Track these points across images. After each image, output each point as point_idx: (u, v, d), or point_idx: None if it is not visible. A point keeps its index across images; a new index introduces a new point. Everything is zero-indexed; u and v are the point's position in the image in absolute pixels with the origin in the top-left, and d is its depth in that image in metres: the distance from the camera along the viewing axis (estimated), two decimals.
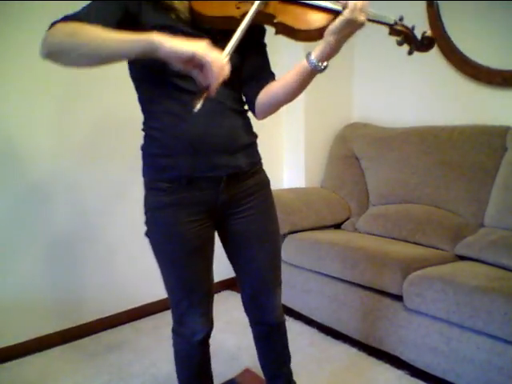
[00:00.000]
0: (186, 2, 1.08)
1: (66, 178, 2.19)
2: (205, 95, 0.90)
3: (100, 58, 0.93)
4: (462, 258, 2.01)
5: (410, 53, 1.13)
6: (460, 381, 1.66)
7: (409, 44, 1.12)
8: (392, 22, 1.10)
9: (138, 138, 1.20)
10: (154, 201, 1.15)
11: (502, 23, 2.25)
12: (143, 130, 1.18)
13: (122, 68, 1.14)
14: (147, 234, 1.19)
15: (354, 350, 2.05)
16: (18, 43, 1.97)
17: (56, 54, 0.93)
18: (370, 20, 1.05)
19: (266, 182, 1.28)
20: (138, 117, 1.19)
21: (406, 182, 2.43)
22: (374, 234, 2.36)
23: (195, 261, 1.19)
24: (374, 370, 1.89)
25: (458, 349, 1.65)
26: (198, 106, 0.90)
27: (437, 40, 2.50)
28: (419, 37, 1.12)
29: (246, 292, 1.35)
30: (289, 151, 2.95)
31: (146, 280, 2.48)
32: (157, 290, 2.48)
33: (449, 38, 2.43)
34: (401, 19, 1.12)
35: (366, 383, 1.80)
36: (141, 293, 2.47)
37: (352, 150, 2.76)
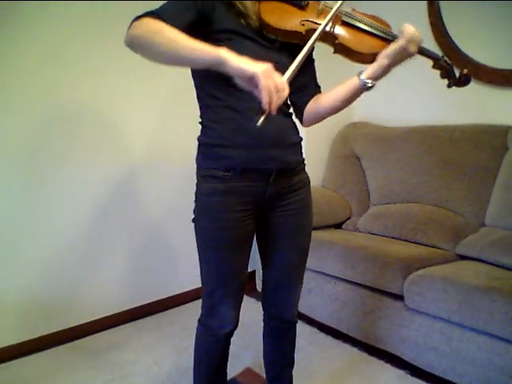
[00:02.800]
0: (257, 4, 1.15)
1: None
2: (266, 113, 0.95)
3: (172, 60, 1.03)
4: (462, 257, 2.01)
5: (449, 86, 1.27)
6: (461, 380, 1.66)
7: (448, 79, 1.25)
8: (438, 57, 1.23)
9: None
10: (207, 187, 1.19)
11: (502, 22, 2.25)
12: (200, 122, 1.23)
13: None
14: (194, 220, 1.24)
15: (354, 350, 2.05)
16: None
17: (136, 46, 1.02)
18: (419, 52, 1.17)
19: (307, 181, 1.36)
20: None
21: (407, 182, 2.43)
22: (374, 234, 2.36)
23: (238, 250, 1.23)
24: (375, 369, 1.90)
25: (458, 348, 1.66)
26: (260, 122, 0.96)
27: (438, 39, 2.50)
28: (457, 74, 1.25)
29: (270, 285, 1.38)
30: None
31: (148, 279, 2.49)
32: (159, 289, 2.53)
33: (449, 37, 2.43)
34: (443, 56, 1.25)
35: (366, 383, 1.80)
36: (143, 292, 2.48)
37: (353, 150, 2.76)
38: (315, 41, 1.07)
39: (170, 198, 2.51)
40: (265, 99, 0.93)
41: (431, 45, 2.45)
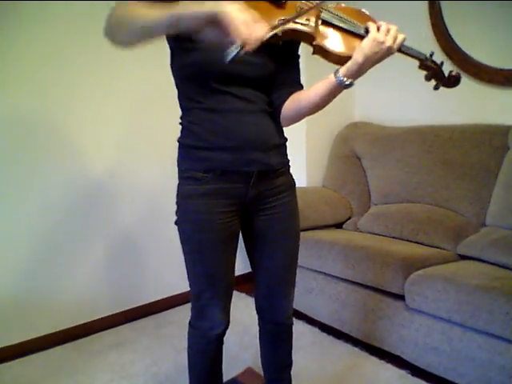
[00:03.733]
0: None
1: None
2: (238, 47, 0.89)
3: (142, 31, 0.98)
4: (463, 257, 2.00)
5: (436, 88, 1.21)
6: (461, 380, 1.66)
7: (436, 80, 1.19)
8: (423, 57, 1.17)
9: None
10: (188, 189, 1.19)
11: (503, 22, 2.24)
12: (181, 123, 1.22)
13: None
14: (177, 222, 1.23)
15: (355, 350, 2.05)
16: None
17: (114, 32, 1.00)
18: (402, 51, 1.12)
19: (292, 183, 1.32)
20: None
21: (408, 182, 2.43)
22: (375, 234, 2.36)
23: (222, 251, 1.22)
24: (376, 369, 1.89)
25: (459, 348, 1.65)
26: (229, 56, 0.89)
27: (439, 40, 2.50)
28: (446, 74, 1.19)
29: (261, 289, 1.37)
30: (290, 150, 2.92)
31: (147, 279, 2.49)
32: (158, 289, 2.53)
33: (450, 37, 2.43)
34: (431, 55, 1.18)
35: (367, 382, 1.80)
36: (142, 292, 2.48)
37: (353, 150, 2.76)
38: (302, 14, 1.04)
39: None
40: (238, 36, 0.88)
41: (432, 45, 2.45)
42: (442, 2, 2.46)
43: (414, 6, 2.56)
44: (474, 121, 2.34)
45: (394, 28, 1.07)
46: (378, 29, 1.06)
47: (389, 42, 1.05)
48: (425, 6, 2.53)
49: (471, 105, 2.41)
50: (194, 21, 0.92)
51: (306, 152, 2.84)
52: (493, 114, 2.30)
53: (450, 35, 2.43)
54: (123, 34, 1.00)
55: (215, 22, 0.90)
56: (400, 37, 1.07)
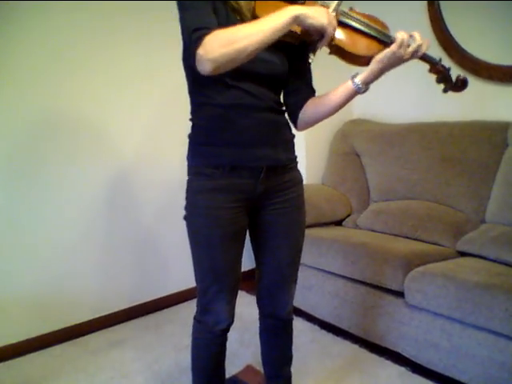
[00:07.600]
0: (252, 3, 1.15)
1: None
2: (318, 47, 1.07)
3: (264, 45, 1.03)
4: (463, 254, 2.01)
5: (444, 91, 1.28)
6: (461, 377, 1.66)
7: (444, 83, 1.26)
8: (435, 61, 1.23)
9: None
10: (198, 185, 1.21)
11: (502, 19, 2.23)
12: (191, 119, 1.24)
13: None
14: (185, 217, 1.24)
15: (355, 347, 2.05)
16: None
17: (225, 63, 1.01)
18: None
19: (300, 179, 1.34)
20: None
21: (407, 178, 2.43)
22: (374, 231, 2.36)
23: (230, 246, 1.23)
24: (376, 366, 1.90)
25: (459, 345, 1.66)
26: (313, 56, 1.08)
27: (437, 36, 2.49)
28: (454, 78, 1.25)
29: (264, 283, 1.39)
30: None
31: (147, 277, 2.49)
32: (158, 288, 2.53)
33: (449, 34, 2.42)
34: (440, 60, 1.24)
35: (367, 380, 1.81)
36: (142, 290, 2.48)
37: (352, 147, 2.76)
38: None
39: (167, 193, 2.51)
40: (325, 43, 1.07)
41: (430, 42, 2.44)
42: None
43: (413, 2, 2.55)
44: (473, 117, 2.33)
45: (406, 38, 1.11)
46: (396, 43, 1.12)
47: (406, 56, 1.12)
48: (424, 2, 2.52)
49: (470, 101, 2.41)
50: (308, 28, 1.05)
51: (305, 149, 2.83)
52: (492, 110, 2.30)
53: (448, 32, 2.43)
54: (246, 56, 1.02)
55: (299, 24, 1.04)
56: (421, 51, 1.14)
